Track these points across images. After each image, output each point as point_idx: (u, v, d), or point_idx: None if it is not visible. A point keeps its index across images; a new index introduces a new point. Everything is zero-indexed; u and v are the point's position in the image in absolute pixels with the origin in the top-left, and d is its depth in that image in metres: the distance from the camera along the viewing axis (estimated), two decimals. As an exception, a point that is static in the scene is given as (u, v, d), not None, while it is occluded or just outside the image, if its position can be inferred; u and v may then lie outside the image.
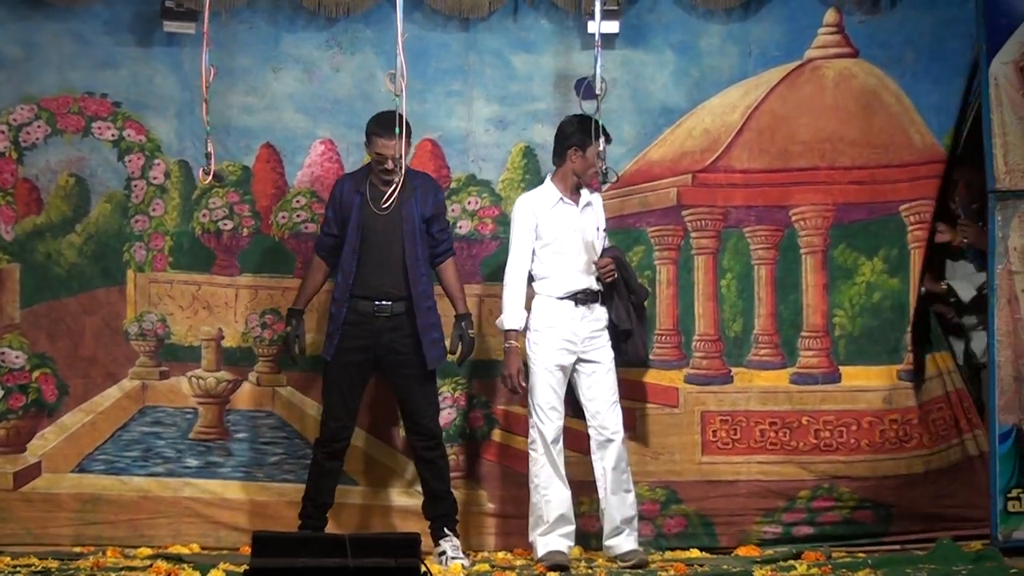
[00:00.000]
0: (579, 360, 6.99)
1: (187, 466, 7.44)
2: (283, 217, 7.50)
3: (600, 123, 6.93)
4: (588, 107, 6.63)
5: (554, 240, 6.97)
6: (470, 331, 7.13)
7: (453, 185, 7.53)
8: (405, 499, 7.41)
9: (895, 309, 7.51)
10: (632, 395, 7.38)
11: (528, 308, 7.00)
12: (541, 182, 7.40)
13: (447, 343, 7.09)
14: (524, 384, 6.93)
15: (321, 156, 7.50)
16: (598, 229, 7.06)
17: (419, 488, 7.19)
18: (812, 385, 7.50)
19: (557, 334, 6.95)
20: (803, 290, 7.54)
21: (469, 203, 7.54)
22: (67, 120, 7.42)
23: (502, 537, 7.37)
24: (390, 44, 6.35)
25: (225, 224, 7.49)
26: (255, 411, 7.50)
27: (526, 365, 6.99)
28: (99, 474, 7.39)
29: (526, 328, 6.99)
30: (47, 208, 7.43)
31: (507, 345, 6.96)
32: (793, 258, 7.52)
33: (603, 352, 7.01)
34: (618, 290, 7.03)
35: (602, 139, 6.59)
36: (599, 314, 7.03)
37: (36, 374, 7.38)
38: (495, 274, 7.44)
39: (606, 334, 7.03)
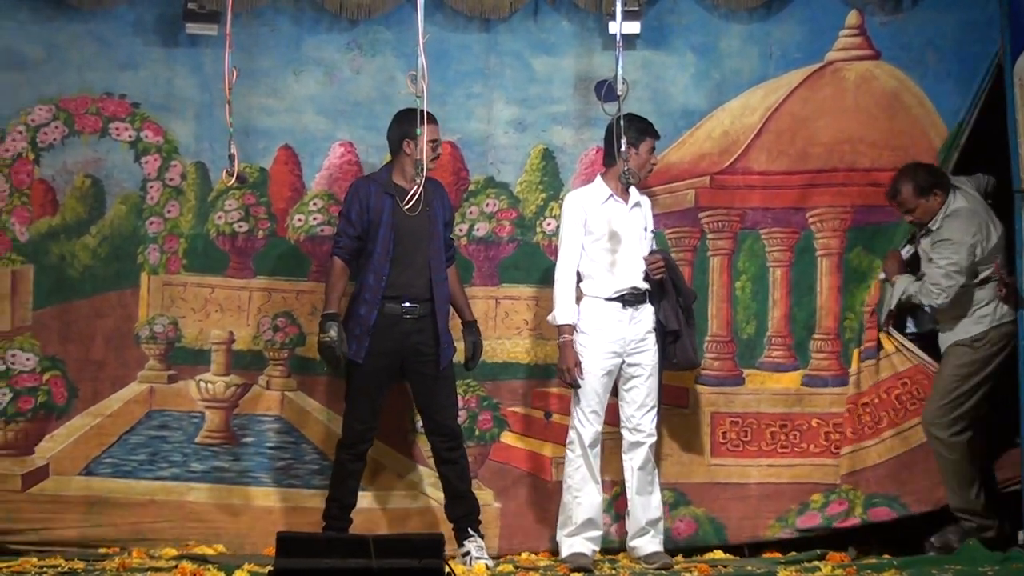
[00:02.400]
0: (623, 362, 7.01)
1: (192, 471, 7.41)
2: (299, 220, 7.48)
3: (650, 123, 7.05)
4: (608, 109, 6.61)
5: (603, 236, 6.98)
6: (480, 337, 7.20)
7: (471, 187, 7.53)
8: (409, 502, 7.41)
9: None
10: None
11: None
12: (560, 184, 7.45)
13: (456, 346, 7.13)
14: (582, 377, 6.93)
15: (340, 158, 7.50)
16: (646, 230, 7.09)
17: (425, 491, 7.25)
18: (823, 387, 7.50)
19: (605, 337, 6.97)
20: (817, 292, 7.55)
21: (487, 205, 7.54)
22: (85, 121, 7.40)
23: (506, 539, 7.37)
24: (410, 46, 6.33)
25: (240, 226, 7.47)
26: (263, 415, 7.47)
27: None
28: (106, 477, 7.36)
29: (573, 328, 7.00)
30: (62, 209, 7.40)
31: (562, 340, 6.97)
32: (808, 260, 7.53)
33: (647, 356, 7.04)
34: (666, 291, 7.06)
35: (624, 140, 6.59)
36: (646, 316, 7.05)
37: (46, 376, 7.35)
38: (512, 276, 7.49)
39: (652, 337, 7.05)
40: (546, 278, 7.30)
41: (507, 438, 7.51)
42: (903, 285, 7.28)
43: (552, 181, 7.52)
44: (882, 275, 7.42)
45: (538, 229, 7.53)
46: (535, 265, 7.50)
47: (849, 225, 7.51)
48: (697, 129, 7.55)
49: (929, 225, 7.20)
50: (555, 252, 7.20)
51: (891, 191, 7.24)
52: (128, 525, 7.27)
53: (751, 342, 7.55)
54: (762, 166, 7.53)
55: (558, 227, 7.21)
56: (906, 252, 7.43)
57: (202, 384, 7.45)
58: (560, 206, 7.24)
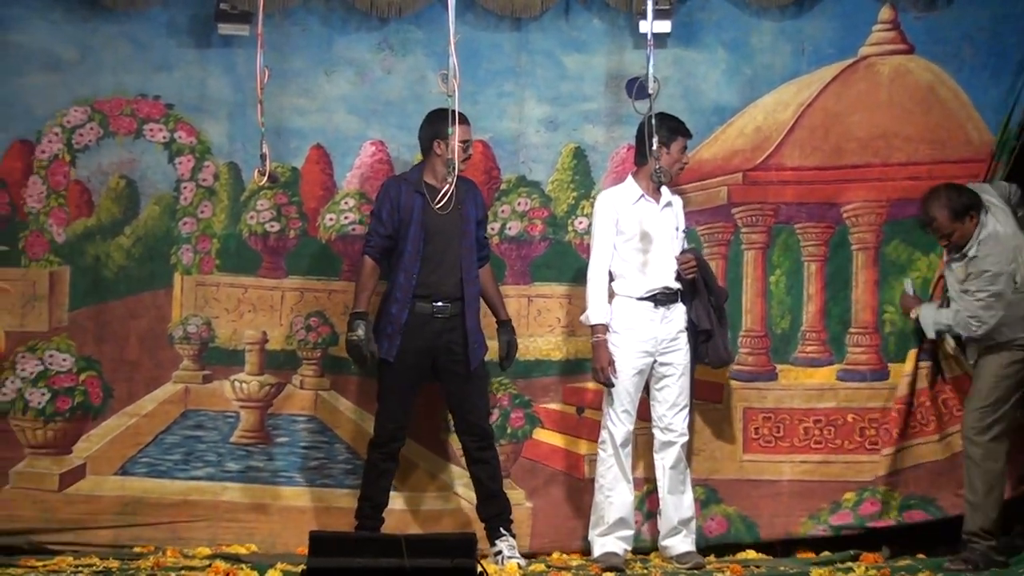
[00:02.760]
0: (655, 362, 7.02)
1: (227, 470, 7.43)
2: (331, 219, 7.48)
3: (681, 122, 7.05)
4: (640, 107, 6.61)
5: (634, 236, 6.99)
6: (515, 336, 7.19)
7: (503, 186, 7.52)
8: (441, 503, 7.42)
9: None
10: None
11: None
12: (591, 183, 7.43)
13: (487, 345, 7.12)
14: (616, 377, 6.93)
15: (371, 157, 7.49)
16: (677, 229, 7.09)
17: (457, 491, 7.26)
18: (860, 382, 7.46)
19: (637, 336, 6.99)
20: (853, 287, 7.50)
21: (519, 204, 7.52)
22: (119, 122, 7.43)
23: (538, 538, 7.35)
24: (441, 45, 6.34)
25: (272, 226, 7.48)
26: (297, 415, 7.48)
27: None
28: (141, 477, 7.39)
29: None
30: (97, 210, 7.43)
31: (595, 339, 7.00)
32: (844, 255, 7.48)
33: (679, 355, 7.05)
34: (697, 290, 7.05)
35: (656, 139, 6.58)
36: (678, 315, 7.06)
37: (83, 377, 7.39)
38: (544, 275, 7.48)
39: (684, 336, 7.06)
40: (578, 276, 7.29)
41: (540, 435, 7.50)
42: (930, 315, 7.15)
43: (584, 179, 7.50)
44: (910, 315, 7.31)
45: (570, 227, 7.51)
46: (567, 264, 7.48)
47: (885, 219, 7.45)
48: (729, 126, 7.51)
49: (964, 250, 6.94)
50: (587, 250, 7.19)
51: (925, 218, 7.00)
52: (163, 525, 7.30)
53: (785, 337, 7.52)
54: (795, 162, 7.48)
55: (590, 226, 7.20)
56: (909, 286, 7.36)
57: (236, 384, 7.46)
58: (592, 204, 7.23)
